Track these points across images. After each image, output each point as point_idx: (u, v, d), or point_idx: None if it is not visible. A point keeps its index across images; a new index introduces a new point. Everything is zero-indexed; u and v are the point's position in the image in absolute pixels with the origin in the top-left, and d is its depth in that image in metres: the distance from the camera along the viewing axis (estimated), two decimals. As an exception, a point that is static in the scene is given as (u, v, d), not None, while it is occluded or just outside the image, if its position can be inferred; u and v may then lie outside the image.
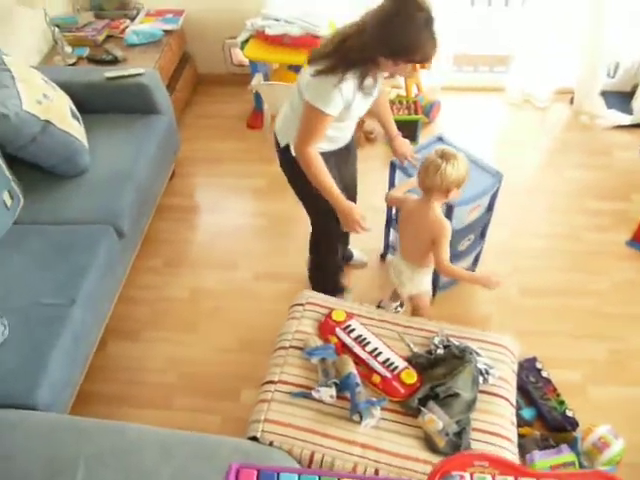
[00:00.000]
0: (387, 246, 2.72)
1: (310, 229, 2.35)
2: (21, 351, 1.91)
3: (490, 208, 2.38)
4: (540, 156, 3.26)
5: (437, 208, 1.92)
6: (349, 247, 2.67)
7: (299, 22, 3.03)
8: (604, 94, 3.59)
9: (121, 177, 2.52)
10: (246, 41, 3.17)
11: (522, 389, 2.11)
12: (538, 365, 2.18)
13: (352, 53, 1.67)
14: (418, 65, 3.18)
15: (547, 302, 2.51)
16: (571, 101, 3.52)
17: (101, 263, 2.23)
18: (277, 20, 3.07)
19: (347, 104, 1.78)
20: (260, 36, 3.09)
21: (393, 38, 1.61)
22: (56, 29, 3.08)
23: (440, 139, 2.47)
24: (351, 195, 2.26)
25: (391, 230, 2.64)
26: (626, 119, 3.36)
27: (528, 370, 2.16)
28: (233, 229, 2.91)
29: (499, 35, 3.63)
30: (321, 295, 2.06)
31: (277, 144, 2.07)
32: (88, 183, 2.52)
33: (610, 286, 2.55)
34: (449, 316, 2.18)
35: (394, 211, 2.51)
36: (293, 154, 1.92)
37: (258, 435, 1.67)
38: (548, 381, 2.13)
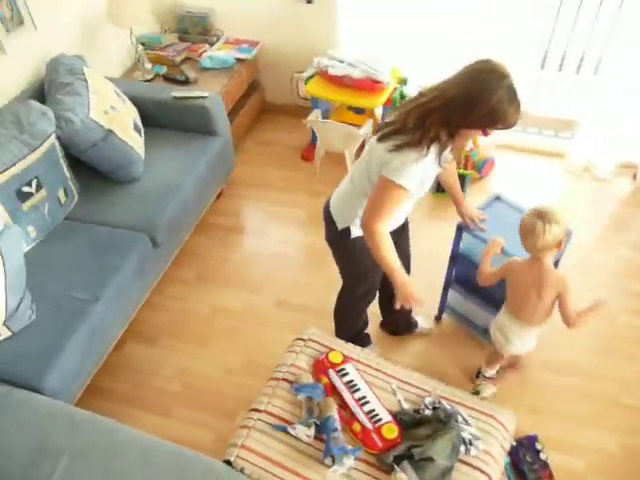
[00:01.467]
0: (442, 308, 2.64)
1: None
2: (42, 337, 2.07)
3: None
4: (593, 229, 3.13)
5: (552, 265, 1.91)
6: (412, 315, 2.58)
7: (361, 65, 3.12)
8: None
9: (167, 190, 2.68)
10: (311, 77, 3.30)
11: (517, 468, 2.03)
12: (538, 445, 2.09)
13: (436, 128, 1.60)
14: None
15: (565, 381, 2.40)
16: (634, 176, 3.39)
17: (131, 267, 2.37)
18: (341, 61, 3.18)
19: (424, 179, 1.75)
20: (323, 74, 3.21)
21: (481, 110, 1.57)
22: (140, 47, 3.34)
23: (498, 198, 2.37)
24: (405, 265, 2.16)
25: (449, 292, 2.56)
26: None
27: (526, 449, 2.08)
28: (267, 254, 3.01)
29: (568, 100, 3.57)
30: (325, 335, 2.09)
31: (330, 221, 2.00)
32: (137, 191, 2.69)
33: (636, 376, 2.41)
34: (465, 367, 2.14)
35: (453, 272, 2.47)
36: (353, 236, 1.92)
37: (232, 459, 1.71)
38: (545, 464, 2.04)
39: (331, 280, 2.79)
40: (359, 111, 3.35)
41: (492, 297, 2.29)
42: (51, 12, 2.81)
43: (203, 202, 3.00)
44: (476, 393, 2.28)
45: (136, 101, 2.95)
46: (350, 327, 2.42)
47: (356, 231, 1.92)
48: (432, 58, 3.39)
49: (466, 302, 2.51)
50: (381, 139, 1.71)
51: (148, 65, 3.38)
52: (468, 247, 2.31)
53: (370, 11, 3.30)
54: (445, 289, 2.56)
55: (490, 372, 2.34)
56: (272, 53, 3.72)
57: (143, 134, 2.89)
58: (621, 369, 2.44)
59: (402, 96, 3.25)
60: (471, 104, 1.56)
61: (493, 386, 2.32)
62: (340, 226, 1.96)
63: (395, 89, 3.21)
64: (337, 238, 2.01)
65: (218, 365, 2.48)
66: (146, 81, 3.33)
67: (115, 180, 2.73)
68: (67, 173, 2.56)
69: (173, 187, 2.70)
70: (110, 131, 2.60)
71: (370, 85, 3.10)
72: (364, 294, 2.25)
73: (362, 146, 3.27)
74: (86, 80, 2.66)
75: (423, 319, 2.65)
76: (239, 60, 3.50)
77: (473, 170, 3.33)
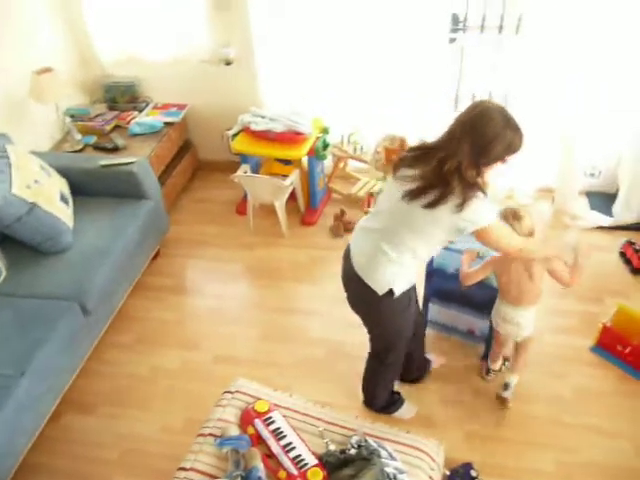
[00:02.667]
0: (425, 323, 2.71)
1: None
2: (-36, 418, 2.04)
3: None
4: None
5: None
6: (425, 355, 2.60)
7: (282, 119, 3.26)
8: (589, 194, 3.64)
9: (96, 257, 2.71)
10: (237, 134, 3.42)
11: (453, 496, 2.06)
12: (473, 472, 2.13)
13: (471, 173, 1.71)
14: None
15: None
16: (552, 200, 3.57)
17: (59, 338, 2.37)
18: (263, 117, 3.32)
19: None
20: (247, 131, 3.34)
21: (500, 147, 1.71)
22: (68, 119, 3.43)
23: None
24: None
25: (429, 306, 2.71)
26: (606, 221, 3.37)
27: (461, 477, 2.11)
28: (204, 311, 3.04)
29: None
30: (254, 385, 2.12)
31: (364, 289, 1.96)
32: (66, 261, 2.71)
33: (569, 393, 2.49)
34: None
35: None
36: (396, 295, 1.94)
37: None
38: (480, 490, 2.07)
39: (265, 331, 2.88)
40: (287, 162, 3.47)
41: (470, 301, 2.55)
42: (-29, 94, 2.88)
43: (137, 265, 3.03)
44: (506, 386, 2.44)
45: (64, 172, 3.02)
46: (383, 395, 2.43)
47: (400, 287, 1.95)
48: (351, 106, 3.57)
49: (447, 311, 2.69)
50: (409, 197, 1.76)
51: (77, 136, 3.46)
52: (440, 261, 2.51)
53: (288, 67, 3.49)
54: (425, 305, 2.69)
55: (497, 365, 2.57)
56: (201, 113, 3.86)
57: (71, 204, 2.94)
58: (554, 388, 2.51)
59: (325, 145, 3.39)
60: (490, 146, 1.70)
61: (515, 376, 2.44)
62: (381, 292, 1.94)
63: (318, 138, 3.35)
64: (377, 301, 1.98)
65: (157, 426, 2.47)
66: (75, 152, 3.39)
67: (44, 252, 2.74)
68: (-8, 249, 2.58)
69: (103, 253, 2.73)
70: (34, 204, 2.64)
71: (292, 137, 3.23)
72: (395, 361, 2.28)
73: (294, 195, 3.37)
74: (8, 157, 2.71)
75: (433, 356, 2.67)
76: (167, 124, 3.61)
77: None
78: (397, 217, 1.86)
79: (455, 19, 3.34)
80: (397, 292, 1.95)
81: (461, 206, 1.70)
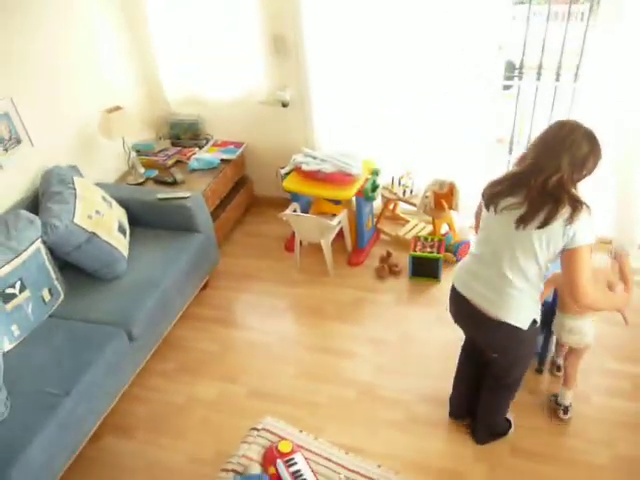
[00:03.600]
0: (543, 359, 2.77)
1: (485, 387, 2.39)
2: (10, 432, 2.17)
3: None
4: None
5: None
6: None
7: (333, 160, 3.34)
8: (650, 250, 3.47)
9: (147, 285, 2.84)
10: (288, 173, 3.52)
11: None
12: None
13: (573, 187, 1.82)
14: (446, 205, 3.35)
15: (535, 467, 2.35)
16: (610, 253, 3.42)
17: (105, 362, 2.49)
18: (314, 158, 3.41)
19: None
20: (298, 170, 3.44)
21: (593, 161, 1.83)
22: (133, 154, 3.66)
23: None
24: None
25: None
26: (667, 277, 3.19)
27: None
28: (245, 344, 3.10)
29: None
30: (280, 423, 2.14)
31: (507, 331, 2.00)
32: (119, 288, 2.87)
33: (608, 461, 2.34)
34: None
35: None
36: (536, 323, 2.03)
37: None
38: None
39: (302, 369, 2.90)
40: (336, 202, 3.54)
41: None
42: (47, 128, 3.13)
43: (185, 295, 3.15)
44: (566, 410, 2.53)
45: (124, 203, 3.22)
46: (503, 422, 2.50)
47: (536, 315, 2.03)
48: (403, 149, 3.61)
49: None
50: (523, 223, 1.83)
51: (141, 170, 3.68)
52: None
53: (341, 110, 3.59)
54: (545, 340, 2.69)
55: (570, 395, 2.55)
56: (258, 151, 4.02)
57: (128, 234, 3.12)
58: (592, 454, 2.38)
59: (374, 187, 3.43)
60: (586, 160, 1.81)
61: (571, 391, 2.53)
62: (526, 326, 1.99)
63: (367, 180, 3.40)
64: (521, 336, 2.02)
65: (187, 457, 2.52)
66: (137, 184, 3.61)
67: (100, 278, 2.91)
68: (53, 274, 2.76)
69: (152, 283, 2.86)
70: (94, 234, 2.83)
71: (341, 178, 3.30)
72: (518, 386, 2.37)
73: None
74: (75, 189, 2.93)
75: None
76: (224, 160, 3.78)
77: (448, 253, 3.43)
78: (514, 244, 1.89)
79: (511, 66, 3.34)
80: (537, 319, 2.04)
81: (572, 217, 1.76)
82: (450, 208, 3.40)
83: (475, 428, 2.49)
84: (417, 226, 3.77)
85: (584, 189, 1.90)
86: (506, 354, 2.16)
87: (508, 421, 2.51)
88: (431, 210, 3.43)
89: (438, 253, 3.32)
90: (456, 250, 3.46)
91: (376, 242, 3.79)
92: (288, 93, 3.58)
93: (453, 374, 2.68)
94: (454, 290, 2.18)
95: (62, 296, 2.83)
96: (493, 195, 1.94)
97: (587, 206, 1.79)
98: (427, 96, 3.35)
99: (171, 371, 2.97)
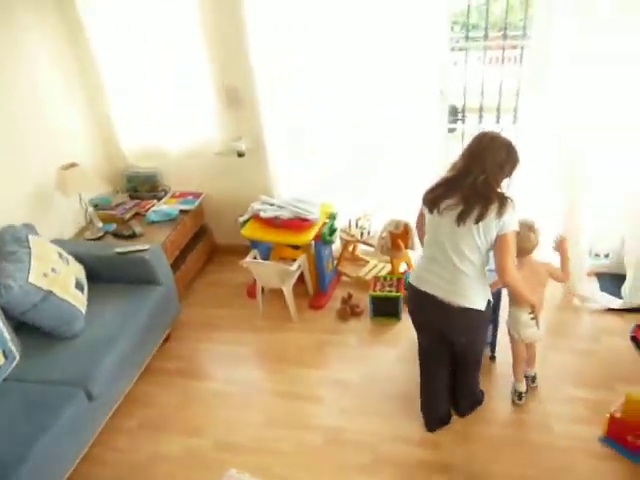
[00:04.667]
0: (494, 347, 3.05)
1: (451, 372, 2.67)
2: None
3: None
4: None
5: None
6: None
7: (290, 207, 3.41)
8: (600, 276, 3.62)
9: (106, 342, 2.80)
10: (247, 221, 3.57)
11: None
12: None
13: (498, 185, 2.15)
14: (402, 245, 3.44)
15: None
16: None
17: (63, 424, 2.42)
18: (271, 205, 3.48)
19: None
20: (257, 218, 3.49)
21: (512, 164, 2.17)
22: (90, 209, 3.65)
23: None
24: None
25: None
26: (616, 303, 3.33)
27: None
28: (209, 395, 3.06)
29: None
30: (245, 476, 2.12)
31: (468, 314, 2.28)
32: (77, 346, 2.81)
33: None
34: None
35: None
36: (490, 302, 2.34)
37: None
38: None
39: (268, 417, 2.88)
40: (296, 246, 3.59)
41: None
42: (1, 187, 3.13)
43: (146, 349, 3.11)
44: (533, 379, 2.88)
45: (82, 259, 3.20)
46: (478, 394, 2.81)
47: (489, 296, 2.35)
48: (359, 192, 3.72)
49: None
50: (462, 221, 2.13)
51: (98, 224, 3.67)
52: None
53: (297, 158, 3.69)
54: (494, 330, 3.00)
55: (524, 386, 2.82)
56: (217, 201, 4.07)
57: (87, 290, 3.09)
58: (558, 481, 2.42)
59: (332, 230, 3.51)
60: (506, 164, 2.15)
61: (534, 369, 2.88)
62: (483, 307, 2.30)
63: (325, 224, 3.47)
64: (480, 319, 2.36)
65: (153, 518, 2.45)
66: (96, 239, 3.59)
67: (57, 337, 2.85)
68: (7, 335, 2.69)
69: (111, 339, 2.82)
70: (50, 292, 2.79)
71: (299, 224, 3.36)
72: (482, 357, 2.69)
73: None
74: (29, 247, 2.90)
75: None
76: (183, 211, 3.81)
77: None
78: (457, 239, 2.18)
79: (454, 110, 3.51)
80: (490, 299, 2.35)
81: (500, 211, 2.08)
82: (406, 247, 3.49)
83: (457, 403, 2.74)
84: (376, 266, 3.84)
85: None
86: (472, 334, 2.44)
87: (482, 391, 2.82)
88: (388, 250, 3.51)
89: (397, 292, 3.39)
90: (415, 288, 3.53)
91: (337, 284, 3.84)
92: (243, 143, 3.67)
93: (417, 412, 2.73)
94: (416, 291, 2.38)
95: (17, 358, 2.76)
96: (434, 199, 2.23)
97: (511, 200, 2.13)
98: (377, 137, 3.48)
99: (134, 428, 2.90)
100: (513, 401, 2.82)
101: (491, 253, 2.23)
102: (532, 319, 2.55)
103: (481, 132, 2.23)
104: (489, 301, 2.34)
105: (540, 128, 3.15)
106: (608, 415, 2.53)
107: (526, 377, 2.85)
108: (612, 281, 3.53)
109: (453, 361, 2.61)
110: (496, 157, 2.12)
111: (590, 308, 3.37)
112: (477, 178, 2.10)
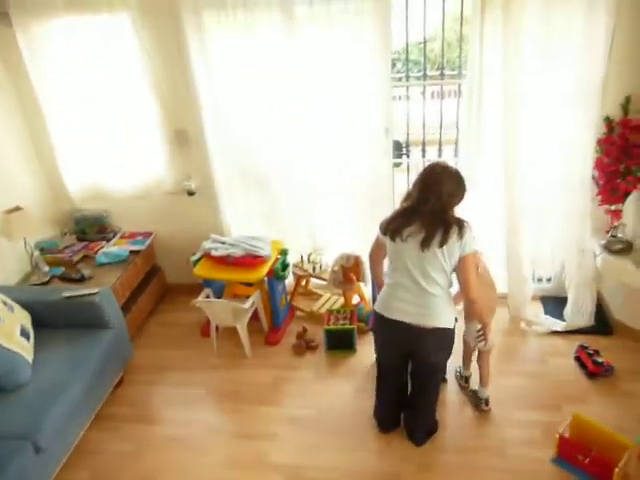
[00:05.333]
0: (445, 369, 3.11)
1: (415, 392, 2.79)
2: None
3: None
4: (474, 362, 3.29)
5: None
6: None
7: (242, 244, 3.43)
8: (543, 299, 3.78)
9: (53, 391, 2.70)
10: (199, 259, 3.56)
11: None
12: None
13: (452, 211, 2.35)
14: (354, 277, 3.50)
15: None
16: (508, 306, 3.68)
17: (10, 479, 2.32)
18: (223, 243, 3.49)
19: None
20: (208, 256, 3.49)
21: (462, 193, 2.35)
22: (36, 252, 3.57)
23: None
24: None
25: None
26: (560, 325, 3.47)
27: None
28: (163, 439, 2.97)
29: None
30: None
31: (440, 335, 2.44)
32: (23, 396, 2.70)
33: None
34: None
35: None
36: (454, 324, 2.49)
37: None
38: None
39: (225, 459, 2.83)
40: (249, 283, 3.59)
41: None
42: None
43: (96, 396, 3.02)
44: (486, 402, 2.97)
45: (28, 305, 3.10)
46: (434, 423, 2.86)
47: (455, 314, 2.52)
48: (309, 227, 3.78)
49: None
50: (426, 246, 2.28)
51: (45, 268, 3.58)
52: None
53: (247, 196, 3.73)
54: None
55: (470, 371, 3.11)
56: (168, 240, 4.05)
57: (32, 337, 2.99)
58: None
59: (284, 266, 3.54)
60: (457, 192, 2.33)
61: (487, 388, 2.99)
62: (452, 324, 2.47)
63: (276, 260, 3.50)
64: (451, 334, 2.52)
65: None
66: (43, 284, 3.50)
67: (2, 387, 2.74)
68: (-53, 389, 2.58)
69: (59, 388, 2.72)
70: (-7, 342, 2.69)
71: (250, 261, 3.38)
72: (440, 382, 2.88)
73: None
74: (-29, 297, 2.81)
75: None
76: (133, 252, 3.77)
77: (361, 322, 3.55)
78: (423, 263, 2.33)
79: (398, 145, 3.65)
80: (457, 317, 2.53)
81: (460, 234, 2.27)
82: (358, 280, 3.56)
83: (414, 432, 2.80)
84: (330, 299, 3.88)
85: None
86: (441, 352, 2.59)
87: (436, 421, 2.86)
88: (340, 283, 3.57)
89: (351, 324, 3.43)
90: (368, 319, 3.58)
91: (292, 319, 3.85)
92: (193, 182, 3.69)
93: (377, 444, 2.75)
94: (383, 319, 2.49)
95: (-41, 412, 2.64)
96: (396, 228, 2.36)
97: (467, 223, 2.32)
98: (327, 177, 3.56)
99: (85, 480, 2.79)
100: (480, 409, 2.97)
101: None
102: (480, 336, 2.74)
103: (432, 163, 2.40)
104: (455, 319, 2.51)
105: (479, 159, 3.31)
106: (557, 435, 2.62)
107: (480, 399, 2.98)
108: (555, 304, 3.69)
109: (412, 391, 2.77)
110: (448, 186, 2.28)
111: (536, 331, 3.51)
112: (434, 206, 2.27)
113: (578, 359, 3.24)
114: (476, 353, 3.01)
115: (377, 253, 2.63)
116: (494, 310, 2.87)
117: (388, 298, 2.48)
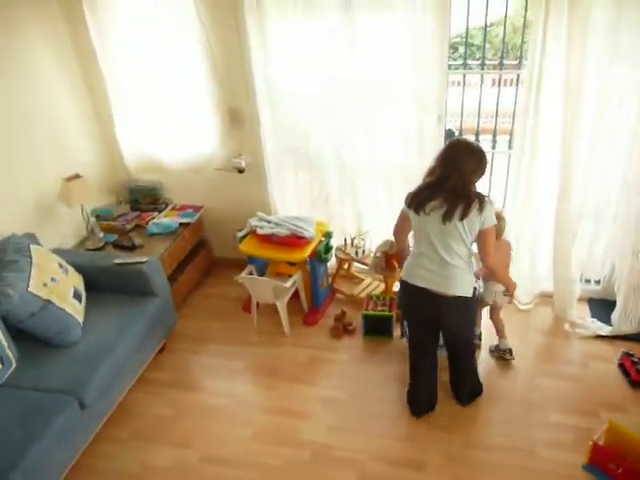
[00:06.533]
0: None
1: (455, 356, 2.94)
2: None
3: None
4: (514, 361, 3.27)
5: None
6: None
7: (287, 224, 3.48)
8: (590, 301, 3.67)
9: (101, 352, 2.85)
10: (245, 236, 3.64)
11: None
12: None
13: (473, 186, 2.45)
14: (397, 265, 3.50)
15: None
16: (553, 307, 3.59)
17: (55, 432, 2.47)
18: (269, 222, 3.55)
19: None
20: (254, 234, 3.56)
21: (483, 167, 2.46)
22: (91, 219, 3.73)
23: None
24: None
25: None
26: (606, 330, 3.36)
27: None
28: (201, 407, 3.10)
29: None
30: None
31: (459, 302, 2.55)
32: (73, 355, 2.87)
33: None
34: None
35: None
36: (474, 294, 2.60)
37: None
38: None
39: (257, 431, 2.92)
40: (292, 263, 3.65)
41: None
42: (4, 197, 3.20)
43: (140, 360, 3.17)
44: (510, 351, 3.25)
45: (81, 269, 3.26)
46: (477, 384, 3.02)
47: (475, 284, 2.63)
48: (356, 211, 3.79)
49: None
50: (448, 219, 2.38)
51: (100, 234, 3.74)
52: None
53: (295, 176, 3.77)
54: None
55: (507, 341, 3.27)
56: (216, 215, 4.14)
57: (84, 300, 3.15)
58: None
59: (327, 248, 3.57)
60: (478, 167, 2.43)
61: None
62: (470, 293, 2.57)
63: (320, 242, 3.54)
64: (472, 303, 2.65)
65: (140, 528, 2.49)
66: (96, 249, 3.66)
67: (54, 345, 2.91)
68: (4, 342, 2.75)
69: (106, 349, 2.87)
70: (48, 301, 2.85)
71: (294, 241, 3.43)
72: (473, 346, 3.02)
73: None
74: (31, 257, 2.96)
75: None
76: (183, 224, 3.88)
77: (400, 310, 3.55)
78: (445, 236, 2.44)
79: (450, 134, 3.58)
80: (476, 287, 2.63)
81: (481, 208, 2.36)
82: (400, 267, 3.54)
83: (460, 394, 2.98)
84: (371, 284, 3.89)
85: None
86: (462, 319, 2.70)
87: (480, 383, 3.02)
88: (382, 270, 3.57)
89: (390, 311, 3.44)
90: (408, 308, 3.58)
91: (332, 302, 3.89)
92: (243, 160, 3.75)
93: (405, 432, 2.77)
94: (408, 286, 2.62)
95: (14, 365, 2.81)
96: (420, 202, 2.46)
97: (488, 198, 2.41)
98: (374, 164, 3.55)
99: (124, 438, 2.94)
100: (506, 360, 3.23)
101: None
102: (506, 296, 3.03)
103: (455, 139, 2.58)
104: (475, 288, 2.61)
105: (534, 154, 3.21)
106: (591, 442, 2.57)
107: (503, 350, 3.24)
108: (602, 307, 3.57)
109: (449, 355, 2.93)
110: (471, 162, 2.39)
111: (580, 334, 3.41)
112: (457, 181, 2.36)
113: (622, 366, 3.14)
114: (487, 310, 3.25)
115: (402, 225, 2.73)
116: (509, 265, 3.09)
117: (412, 267, 2.62)
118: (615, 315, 3.38)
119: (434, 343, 2.87)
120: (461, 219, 2.36)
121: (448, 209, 2.37)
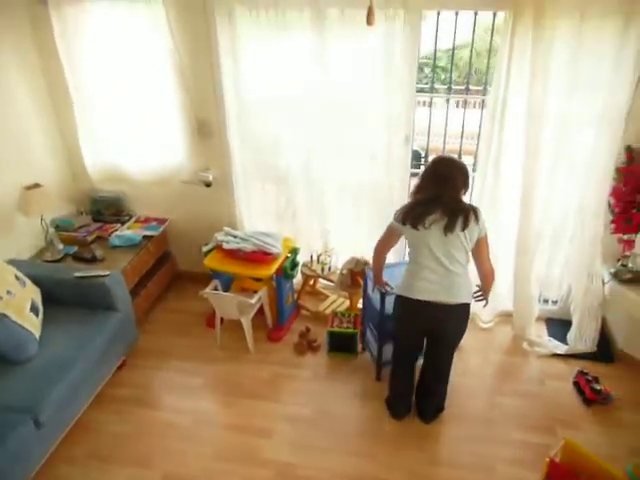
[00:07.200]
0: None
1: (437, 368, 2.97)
2: None
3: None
4: (474, 379, 3.34)
5: None
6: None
7: (253, 239, 3.46)
8: (548, 321, 3.78)
9: (58, 368, 2.76)
10: (210, 251, 3.60)
11: None
12: None
13: (462, 200, 2.58)
14: (361, 282, 3.52)
15: None
16: (512, 326, 3.68)
17: (8, 453, 2.38)
18: (235, 237, 3.53)
19: None
20: (219, 248, 3.53)
21: (468, 181, 2.60)
22: (51, 229, 3.62)
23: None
24: None
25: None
26: (562, 349, 3.47)
27: None
28: (161, 425, 3.03)
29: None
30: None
31: (461, 310, 2.67)
32: (28, 371, 2.76)
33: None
34: None
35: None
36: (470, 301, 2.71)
37: None
38: None
39: (218, 449, 2.88)
40: (258, 279, 3.63)
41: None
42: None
43: (99, 376, 3.08)
44: None
45: (39, 281, 3.16)
46: (443, 402, 3.08)
47: (472, 290, 2.77)
48: (322, 228, 3.81)
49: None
50: (450, 230, 2.49)
51: (59, 246, 3.64)
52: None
53: (262, 192, 3.77)
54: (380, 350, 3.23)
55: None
56: (181, 228, 4.09)
57: (41, 313, 3.05)
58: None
59: (294, 265, 3.57)
60: (466, 182, 2.59)
61: None
62: (469, 300, 2.70)
63: (287, 258, 3.53)
64: (468, 311, 2.73)
65: None
66: (55, 261, 3.56)
67: (9, 360, 2.81)
68: (-45, 358, 2.65)
69: (64, 365, 2.79)
70: (3, 315, 2.75)
71: (261, 257, 3.41)
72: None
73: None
74: (-15, 268, 2.87)
75: None
76: (146, 237, 3.81)
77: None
78: (447, 246, 2.53)
79: (417, 156, 3.65)
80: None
81: (477, 218, 2.52)
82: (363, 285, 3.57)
83: (425, 412, 3.04)
84: (336, 301, 3.91)
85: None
86: (461, 327, 2.78)
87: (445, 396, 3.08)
88: (347, 287, 3.59)
89: (354, 328, 3.46)
90: (371, 325, 3.61)
91: (296, 318, 3.89)
92: (211, 174, 3.72)
93: (368, 448, 2.78)
94: (411, 301, 2.66)
95: (-35, 381, 2.71)
96: (416, 217, 2.55)
97: (479, 208, 2.57)
98: (342, 182, 3.59)
99: (81, 457, 2.84)
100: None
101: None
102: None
103: (440, 157, 2.70)
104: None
105: (497, 176, 3.31)
106: (547, 459, 2.63)
107: None
108: (559, 327, 3.69)
109: (427, 365, 2.97)
110: (460, 178, 2.55)
111: (537, 352, 3.51)
112: (451, 196, 2.52)
113: (577, 384, 3.24)
114: None
115: (388, 241, 2.78)
116: None
117: (412, 281, 2.66)
118: (571, 334, 3.50)
119: (419, 351, 2.95)
120: (463, 229, 2.50)
121: (449, 221, 2.49)
